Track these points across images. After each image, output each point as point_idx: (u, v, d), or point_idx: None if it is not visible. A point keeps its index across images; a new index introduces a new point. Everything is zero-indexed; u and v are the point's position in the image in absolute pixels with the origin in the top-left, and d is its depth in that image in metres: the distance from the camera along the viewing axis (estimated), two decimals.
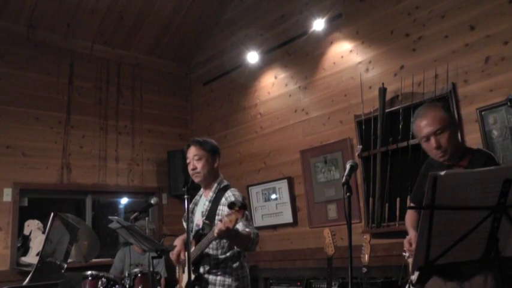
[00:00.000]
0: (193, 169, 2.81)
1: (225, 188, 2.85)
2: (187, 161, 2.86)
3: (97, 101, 5.60)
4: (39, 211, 4.89)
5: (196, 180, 2.84)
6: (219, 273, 2.70)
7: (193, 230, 2.90)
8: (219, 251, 2.74)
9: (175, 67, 6.42)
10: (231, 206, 2.35)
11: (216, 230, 2.43)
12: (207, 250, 2.73)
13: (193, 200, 3.02)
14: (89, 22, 5.39)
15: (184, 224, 2.98)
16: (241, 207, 2.35)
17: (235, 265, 2.74)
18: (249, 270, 2.90)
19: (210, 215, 2.79)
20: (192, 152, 2.83)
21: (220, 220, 2.40)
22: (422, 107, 2.41)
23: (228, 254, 2.73)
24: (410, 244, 2.34)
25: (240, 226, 2.62)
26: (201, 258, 2.75)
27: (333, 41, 4.70)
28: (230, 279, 2.71)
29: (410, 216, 2.53)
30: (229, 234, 2.42)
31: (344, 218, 2.11)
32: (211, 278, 2.72)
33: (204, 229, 2.75)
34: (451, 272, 2.23)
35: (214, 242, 2.70)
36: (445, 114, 2.30)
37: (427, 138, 2.30)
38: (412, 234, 2.37)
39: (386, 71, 4.20)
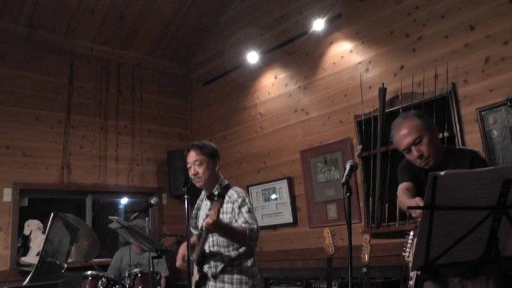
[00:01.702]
0: (195, 174, 2.80)
1: (227, 188, 2.85)
2: (188, 165, 2.85)
3: (97, 101, 5.60)
4: (39, 211, 4.89)
5: (198, 185, 2.84)
6: (235, 271, 2.71)
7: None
8: (231, 248, 2.73)
9: (175, 67, 6.42)
10: (211, 197, 2.42)
11: (204, 224, 2.47)
12: (218, 249, 2.74)
13: (196, 205, 3.02)
14: (89, 22, 5.38)
15: (191, 229, 2.98)
16: (218, 197, 2.39)
17: (249, 263, 2.76)
18: None
19: None
20: (193, 157, 2.82)
21: (207, 215, 2.44)
22: (397, 120, 2.40)
23: (240, 251, 2.73)
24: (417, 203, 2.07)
25: (241, 220, 2.64)
26: (204, 258, 2.76)
27: (333, 41, 4.70)
28: (246, 277, 2.72)
29: (403, 193, 2.39)
30: (218, 226, 2.44)
31: (344, 218, 2.11)
32: (227, 277, 2.72)
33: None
34: (449, 273, 2.23)
35: (224, 241, 2.71)
36: (419, 122, 2.29)
37: (408, 150, 2.30)
38: (416, 198, 2.13)
39: (386, 71, 4.20)
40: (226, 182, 2.91)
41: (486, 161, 2.46)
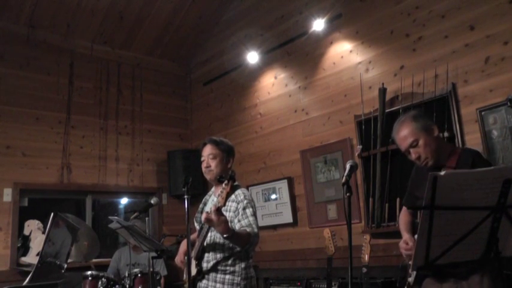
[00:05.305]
0: (207, 167, 2.85)
1: (235, 188, 2.86)
2: (202, 159, 2.89)
3: (97, 101, 5.60)
4: (39, 211, 4.89)
5: (208, 177, 2.87)
6: (227, 272, 2.71)
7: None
8: (225, 246, 2.72)
9: (175, 67, 6.42)
10: (220, 180, 2.43)
11: (204, 214, 2.47)
12: (214, 245, 2.73)
13: (203, 200, 3.04)
14: (89, 22, 5.38)
15: (195, 224, 2.98)
16: (229, 180, 2.40)
17: (243, 264, 2.75)
18: None
19: None
20: (207, 151, 2.87)
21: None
22: (395, 124, 2.48)
23: (235, 251, 2.72)
24: (407, 243, 2.34)
25: (245, 221, 2.63)
26: (203, 253, 2.76)
27: (333, 41, 4.70)
28: (239, 278, 2.71)
29: (403, 218, 2.57)
30: (221, 217, 2.39)
31: (344, 218, 2.11)
32: (219, 276, 2.71)
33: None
34: (448, 272, 2.24)
35: (221, 238, 2.68)
36: (415, 125, 2.36)
37: (408, 152, 2.39)
38: (406, 236, 2.41)
39: (386, 71, 4.20)
40: (236, 182, 2.91)
41: (489, 161, 2.49)
